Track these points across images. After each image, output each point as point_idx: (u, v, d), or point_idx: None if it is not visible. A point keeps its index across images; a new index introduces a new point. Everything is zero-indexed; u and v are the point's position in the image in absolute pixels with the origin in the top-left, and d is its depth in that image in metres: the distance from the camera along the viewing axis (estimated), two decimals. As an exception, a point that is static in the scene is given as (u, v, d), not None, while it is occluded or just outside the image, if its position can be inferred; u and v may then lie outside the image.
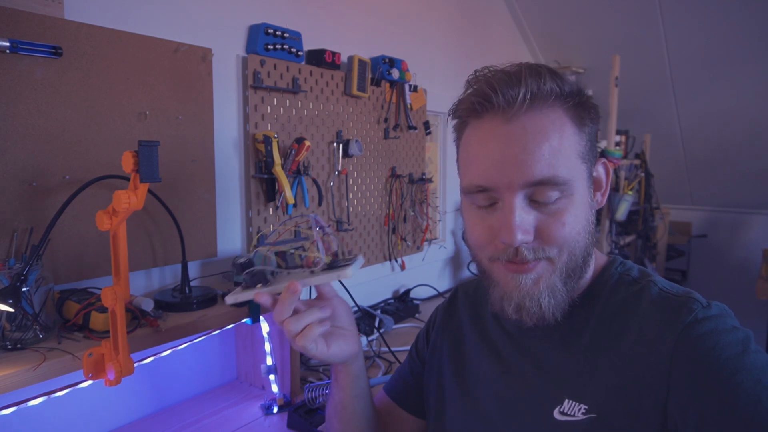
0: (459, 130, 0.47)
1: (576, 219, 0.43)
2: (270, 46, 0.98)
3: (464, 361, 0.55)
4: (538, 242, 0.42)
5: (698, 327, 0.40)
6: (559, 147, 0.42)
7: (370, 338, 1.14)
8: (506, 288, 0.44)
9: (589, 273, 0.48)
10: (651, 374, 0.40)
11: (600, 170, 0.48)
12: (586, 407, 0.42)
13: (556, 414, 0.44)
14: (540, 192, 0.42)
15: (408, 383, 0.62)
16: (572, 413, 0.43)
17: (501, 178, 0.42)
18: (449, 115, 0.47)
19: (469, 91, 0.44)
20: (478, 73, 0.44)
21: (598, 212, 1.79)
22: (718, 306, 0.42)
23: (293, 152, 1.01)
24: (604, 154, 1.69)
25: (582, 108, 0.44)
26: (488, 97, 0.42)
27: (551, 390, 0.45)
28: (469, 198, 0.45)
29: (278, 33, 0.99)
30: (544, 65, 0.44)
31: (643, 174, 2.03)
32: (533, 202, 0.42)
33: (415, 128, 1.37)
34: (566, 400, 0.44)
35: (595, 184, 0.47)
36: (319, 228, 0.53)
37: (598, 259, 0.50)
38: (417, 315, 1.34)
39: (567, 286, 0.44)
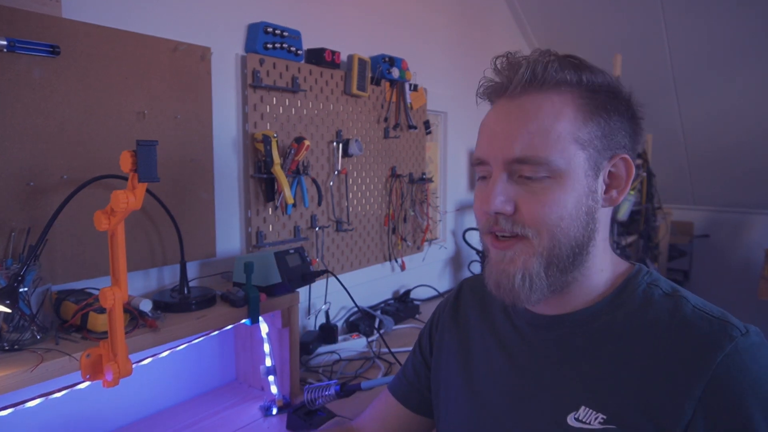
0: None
1: (560, 203, 0.42)
2: (269, 45, 0.98)
3: (472, 357, 0.54)
4: (517, 217, 0.43)
5: (738, 358, 0.39)
6: (550, 128, 0.42)
7: (370, 339, 1.13)
8: (491, 263, 0.46)
9: (605, 277, 0.47)
10: (681, 396, 0.39)
11: (620, 166, 0.46)
12: (605, 417, 0.42)
13: (570, 420, 0.43)
14: (524, 169, 0.43)
15: (411, 382, 0.61)
16: (588, 421, 0.42)
17: (491, 151, 0.45)
18: (477, 95, 0.49)
19: (487, 76, 0.47)
20: (497, 60, 0.46)
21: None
22: (756, 333, 0.41)
23: (293, 152, 1.00)
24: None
25: (597, 97, 0.44)
26: (496, 80, 0.45)
27: (567, 394, 0.44)
28: (476, 172, 0.48)
29: (277, 32, 0.99)
30: (565, 54, 0.45)
31: (644, 174, 2.02)
32: (520, 178, 0.44)
33: (416, 127, 1.36)
34: (582, 407, 0.43)
35: (613, 179, 0.46)
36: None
37: (617, 265, 0.49)
38: (417, 315, 1.34)
39: (548, 274, 0.43)
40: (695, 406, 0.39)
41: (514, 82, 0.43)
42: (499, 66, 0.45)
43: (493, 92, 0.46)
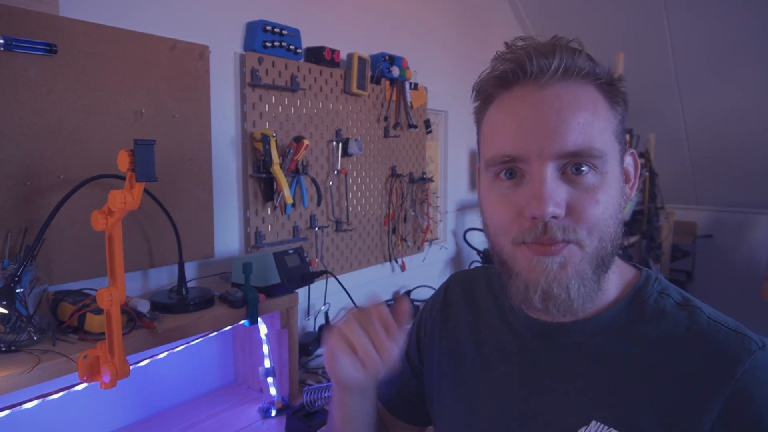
0: (482, 110, 0.44)
1: (609, 200, 0.39)
2: (268, 44, 0.97)
3: (466, 364, 0.50)
4: (569, 220, 0.38)
5: (758, 373, 0.38)
6: (593, 119, 0.39)
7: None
8: (530, 275, 0.40)
9: (614, 281, 0.44)
10: (700, 411, 0.38)
11: (629, 161, 0.44)
12: None
13: None
14: (573, 164, 0.38)
15: (397, 387, 0.58)
16: None
17: (532, 145, 0.38)
18: (473, 92, 0.44)
19: (499, 63, 0.41)
20: (510, 45, 0.41)
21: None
22: None
23: (292, 151, 1.00)
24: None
25: (615, 88, 0.42)
26: (522, 65, 0.39)
27: (576, 408, 0.42)
28: (492, 173, 0.41)
29: (276, 30, 0.98)
30: (578, 46, 0.41)
31: (647, 173, 2.01)
32: (564, 175, 0.39)
33: (416, 127, 1.35)
34: (593, 422, 0.41)
35: (625, 175, 0.44)
36: None
37: (624, 270, 0.46)
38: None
39: (597, 275, 0.40)
40: (714, 422, 0.38)
41: (552, 69, 0.38)
42: (530, 51, 0.40)
43: (512, 80, 0.40)
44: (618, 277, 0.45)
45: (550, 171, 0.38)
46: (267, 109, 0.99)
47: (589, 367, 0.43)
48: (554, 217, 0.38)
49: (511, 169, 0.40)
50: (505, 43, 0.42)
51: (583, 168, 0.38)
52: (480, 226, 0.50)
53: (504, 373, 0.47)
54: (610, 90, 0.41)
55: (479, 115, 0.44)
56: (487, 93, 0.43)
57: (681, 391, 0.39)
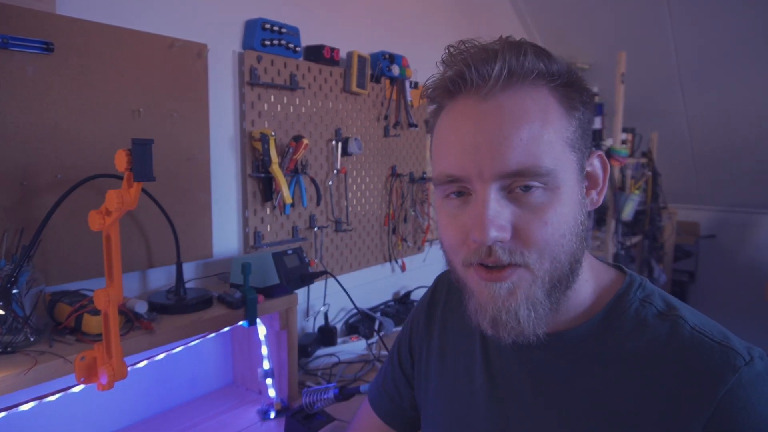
0: (434, 117, 0.41)
1: (561, 218, 0.37)
2: (267, 42, 0.96)
3: (450, 372, 0.48)
4: (516, 243, 0.36)
5: (742, 394, 0.35)
6: (541, 131, 0.36)
7: (369, 341, 1.12)
8: (480, 299, 0.39)
9: (590, 288, 0.41)
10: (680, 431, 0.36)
11: (595, 164, 0.41)
12: None
13: None
14: (518, 184, 0.36)
15: (393, 399, 0.55)
16: None
17: (473, 165, 0.36)
18: (421, 98, 0.42)
19: (442, 70, 0.39)
20: (452, 50, 0.39)
21: (603, 212, 1.76)
22: (761, 357, 0.37)
23: (291, 150, 0.99)
24: (610, 152, 1.65)
25: (572, 89, 0.38)
26: (461, 74, 0.37)
27: (555, 427, 0.40)
28: (441, 191, 0.40)
29: (275, 28, 0.98)
30: (528, 41, 0.38)
31: (650, 173, 2.00)
32: (511, 194, 0.37)
33: (416, 126, 1.34)
34: None
35: (589, 180, 0.41)
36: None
37: (600, 273, 0.43)
38: (418, 316, 1.32)
39: (551, 298, 0.38)
40: None
41: (492, 78, 0.35)
42: (468, 58, 0.37)
43: (454, 90, 0.38)
44: (595, 283, 0.42)
45: (494, 192, 0.36)
46: (266, 108, 0.99)
47: (565, 385, 0.40)
48: (499, 241, 0.36)
49: (459, 189, 0.39)
50: (448, 48, 0.39)
51: (531, 186, 0.36)
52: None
53: (484, 386, 0.45)
54: (566, 93, 0.38)
55: (433, 120, 0.42)
56: (437, 101, 0.41)
57: (660, 412, 0.36)
